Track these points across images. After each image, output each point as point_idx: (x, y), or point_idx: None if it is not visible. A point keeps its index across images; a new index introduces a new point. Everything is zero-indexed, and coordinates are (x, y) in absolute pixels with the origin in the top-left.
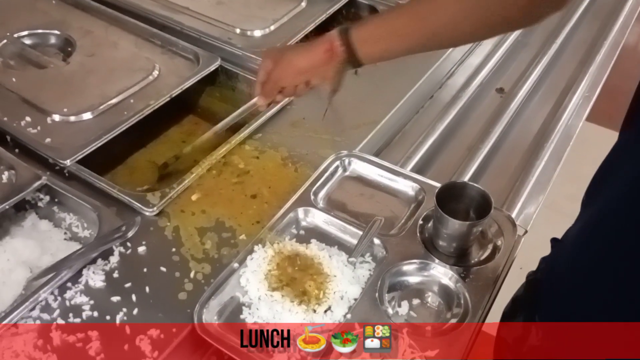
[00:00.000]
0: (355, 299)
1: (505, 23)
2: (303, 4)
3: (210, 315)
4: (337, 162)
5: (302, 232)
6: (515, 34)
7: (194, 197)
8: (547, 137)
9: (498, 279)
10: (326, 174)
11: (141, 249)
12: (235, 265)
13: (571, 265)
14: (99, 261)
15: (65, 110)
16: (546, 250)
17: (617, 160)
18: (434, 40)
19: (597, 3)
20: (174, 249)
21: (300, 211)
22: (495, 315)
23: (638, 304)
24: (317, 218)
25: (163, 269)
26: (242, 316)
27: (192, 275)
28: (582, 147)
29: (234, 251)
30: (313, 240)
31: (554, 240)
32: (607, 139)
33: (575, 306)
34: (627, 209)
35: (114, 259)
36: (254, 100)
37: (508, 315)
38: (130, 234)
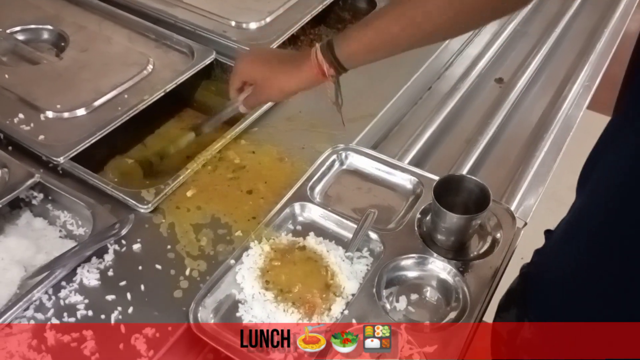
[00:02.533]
0: (353, 295)
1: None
2: None
3: (206, 313)
4: (334, 156)
5: (298, 227)
6: (515, 23)
7: (189, 193)
8: (546, 127)
9: (497, 272)
10: (323, 168)
11: (136, 247)
12: (232, 262)
13: (558, 258)
14: (94, 259)
15: (58, 106)
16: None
17: (603, 148)
18: (428, 39)
19: None
20: (169, 246)
21: (297, 206)
22: (494, 309)
23: (625, 300)
24: (314, 213)
25: (158, 266)
26: (238, 314)
27: (187, 272)
28: (583, 137)
29: (229, 248)
30: (310, 234)
31: (547, 232)
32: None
33: (563, 301)
34: (610, 199)
35: (109, 257)
36: (238, 105)
37: (503, 308)
38: (124, 232)
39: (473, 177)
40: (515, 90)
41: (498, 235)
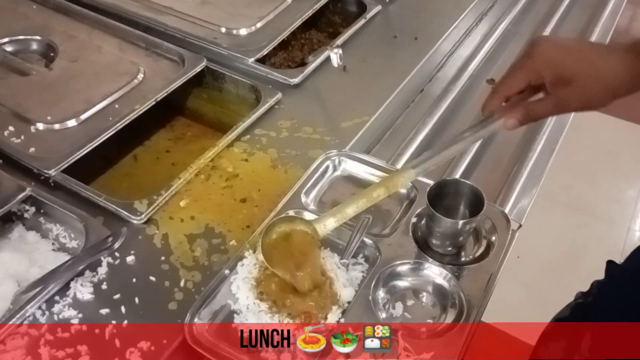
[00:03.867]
0: (349, 302)
1: None
2: (289, 0)
3: (201, 324)
4: (328, 162)
5: None
6: (505, 23)
7: (182, 203)
8: (539, 128)
9: (493, 276)
10: (316, 175)
11: (130, 259)
12: (226, 272)
13: (633, 299)
14: (87, 273)
15: (49, 118)
16: (540, 238)
17: None
18: None
19: None
20: (163, 258)
21: (291, 213)
22: (491, 312)
23: None
24: None
25: (152, 278)
26: (233, 325)
27: (182, 284)
28: (575, 135)
29: (224, 257)
30: None
31: (610, 263)
32: (601, 124)
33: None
34: None
35: (102, 270)
36: (500, 122)
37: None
38: (117, 245)
39: (467, 181)
40: None
41: (493, 238)
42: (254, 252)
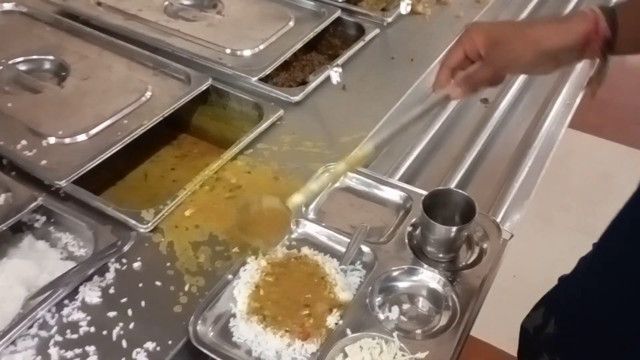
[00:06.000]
0: (347, 305)
1: None
2: (291, 24)
3: (205, 326)
4: (327, 174)
5: (294, 242)
6: None
7: (187, 213)
8: (530, 144)
9: (485, 280)
10: None
11: (136, 265)
12: (229, 276)
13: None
14: (95, 278)
15: (60, 132)
16: (537, 259)
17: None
18: None
19: None
20: (168, 264)
21: (291, 222)
22: (485, 322)
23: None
24: (309, 228)
25: (158, 283)
26: (231, 329)
27: (186, 288)
28: (573, 157)
29: (227, 263)
30: (304, 248)
31: (581, 259)
32: (596, 148)
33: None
34: (621, 243)
35: (110, 275)
36: (443, 91)
37: (533, 308)
38: (126, 248)
39: (460, 191)
40: (499, 110)
41: (485, 245)
42: (257, 258)
